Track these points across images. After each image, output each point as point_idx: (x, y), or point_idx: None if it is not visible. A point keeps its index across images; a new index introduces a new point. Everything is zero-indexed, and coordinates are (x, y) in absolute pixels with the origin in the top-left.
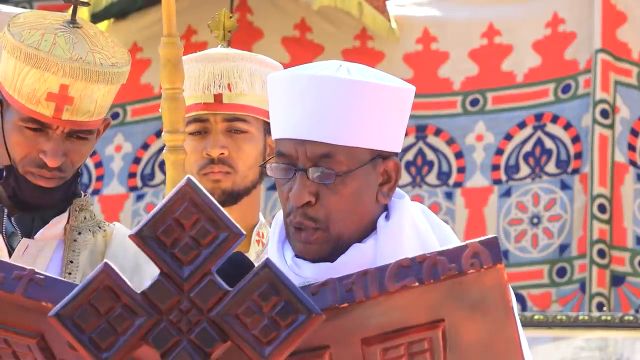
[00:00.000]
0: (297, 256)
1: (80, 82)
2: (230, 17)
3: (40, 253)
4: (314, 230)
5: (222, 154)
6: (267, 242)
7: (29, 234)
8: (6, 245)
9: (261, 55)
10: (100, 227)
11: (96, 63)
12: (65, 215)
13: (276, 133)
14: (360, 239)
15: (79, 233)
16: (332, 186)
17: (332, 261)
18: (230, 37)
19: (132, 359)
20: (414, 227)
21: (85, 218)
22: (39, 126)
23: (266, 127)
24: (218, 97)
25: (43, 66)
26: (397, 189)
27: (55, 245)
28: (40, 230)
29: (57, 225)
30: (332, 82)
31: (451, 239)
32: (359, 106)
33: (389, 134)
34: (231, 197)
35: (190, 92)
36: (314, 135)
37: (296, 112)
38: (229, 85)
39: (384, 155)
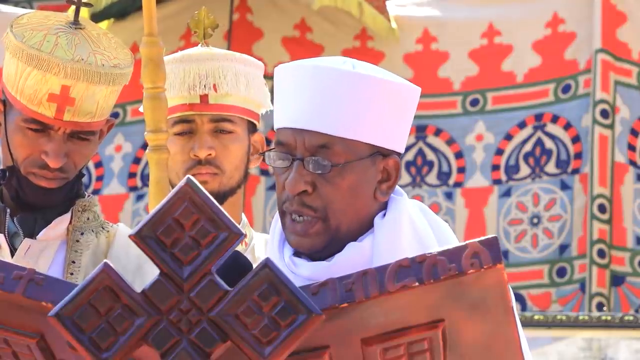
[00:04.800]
0: (294, 254)
1: (81, 83)
2: (210, 16)
3: (42, 253)
4: (315, 220)
5: (210, 154)
6: (250, 242)
7: (32, 234)
8: (8, 245)
9: (245, 54)
10: (103, 228)
11: (97, 64)
12: (67, 215)
13: (277, 123)
14: (356, 236)
15: (82, 233)
16: (329, 177)
17: (327, 256)
18: (210, 35)
19: (132, 359)
20: (412, 225)
21: (88, 219)
22: (41, 127)
23: (250, 127)
24: (204, 98)
25: (44, 67)
26: (396, 187)
27: (58, 246)
28: (43, 231)
29: (59, 225)
30: (334, 74)
31: (449, 238)
32: (360, 99)
33: (389, 130)
34: (217, 198)
35: (175, 92)
36: (312, 125)
37: (297, 102)
38: (214, 85)
39: (384, 153)
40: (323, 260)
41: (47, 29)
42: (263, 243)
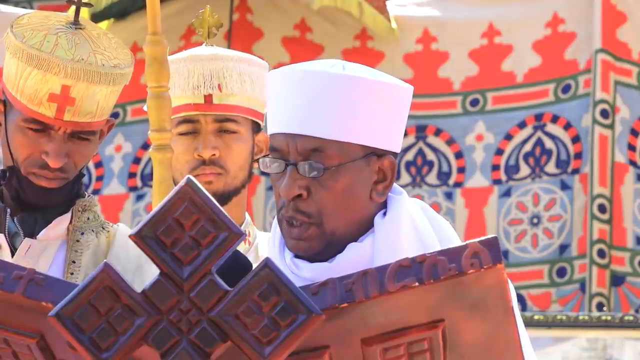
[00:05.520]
0: (296, 256)
1: (81, 83)
2: (215, 15)
3: (42, 253)
4: (308, 225)
5: (214, 155)
6: (254, 242)
7: (32, 234)
8: (9, 245)
9: (249, 54)
10: (103, 228)
11: (98, 64)
12: (68, 215)
13: (271, 128)
14: (355, 237)
15: (82, 233)
16: (322, 181)
17: (326, 258)
18: (215, 34)
19: (132, 359)
20: (412, 224)
21: (88, 218)
22: (41, 127)
23: (254, 127)
24: (208, 98)
25: (45, 67)
26: (396, 185)
27: (58, 246)
28: (43, 231)
29: (59, 225)
30: (324, 77)
31: (450, 236)
32: (350, 101)
33: (382, 131)
34: (222, 199)
35: (179, 92)
36: (304, 129)
37: (289, 106)
38: (219, 85)
39: (378, 153)
40: (324, 261)
41: (47, 29)
42: (266, 242)
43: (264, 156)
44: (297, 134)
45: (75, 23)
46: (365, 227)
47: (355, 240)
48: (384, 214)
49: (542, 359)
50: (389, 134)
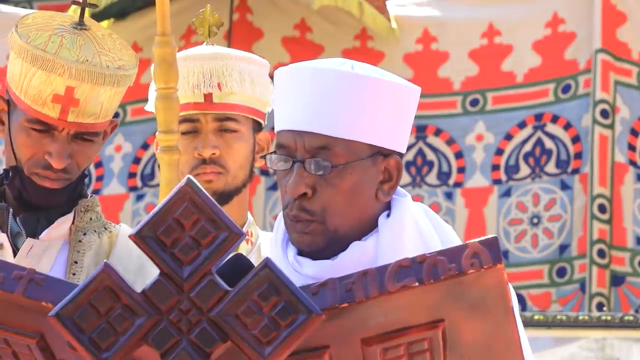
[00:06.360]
0: (299, 254)
1: (86, 85)
2: (215, 14)
3: (44, 253)
4: (310, 222)
5: (214, 154)
6: (256, 242)
7: (34, 234)
8: (11, 245)
9: (249, 53)
10: (106, 228)
11: (102, 65)
12: (70, 215)
13: (278, 125)
14: (359, 236)
15: (84, 234)
16: (329, 178)
17: (330, 256)
18: (215, 33)
19: (132, 359)
20: (416, 226)
21: (91, 219)
22: (45, 127)
23: (255, 126)
24: (208, 97)
25: (49, 68)
26: (400, 188)
27: (60, 246)
28: (45, 231)
29: (62, 225)
30: (333, 75)
31: (453, 240)
32: (359, 100)
33: (389, 131)
34: (222, 198)
35: (180, 91)
36: (312, 126)
37: (297, 103)
38: (219, 84)
39: (385, 153)
40: (327, 259)
41: (52, 29)
42: (269, 242)
43: (271, 153)
44: (304, 131)
45: (80, 24)
46: (369, 226)
47: (359, 240)
48: (388, 215)
49: (552, 356)
50: (396, 134)
